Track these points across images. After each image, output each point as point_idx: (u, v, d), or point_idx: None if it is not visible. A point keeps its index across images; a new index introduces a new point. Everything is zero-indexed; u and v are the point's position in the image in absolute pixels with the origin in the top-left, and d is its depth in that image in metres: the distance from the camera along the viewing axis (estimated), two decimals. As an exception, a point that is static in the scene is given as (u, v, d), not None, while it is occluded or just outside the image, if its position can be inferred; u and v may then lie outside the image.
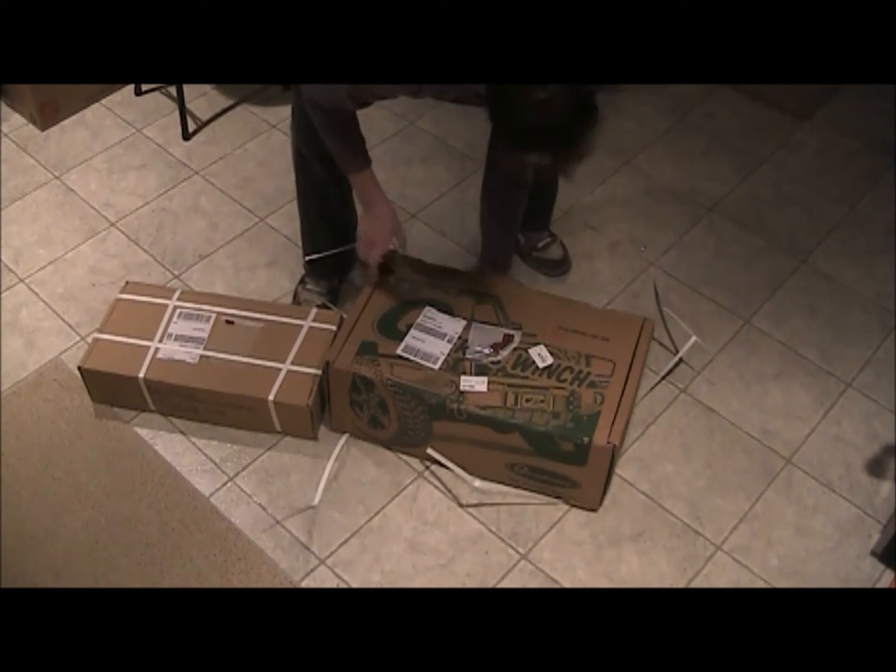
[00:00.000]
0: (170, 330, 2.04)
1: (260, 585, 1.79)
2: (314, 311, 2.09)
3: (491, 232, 2.13)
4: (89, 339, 2.12)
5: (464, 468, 1.93)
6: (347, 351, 1.91)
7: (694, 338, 2.14)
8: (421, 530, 1.89)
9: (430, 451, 1.93)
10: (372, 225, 1.89)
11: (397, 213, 1.91)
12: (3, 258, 2.36)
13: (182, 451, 2.00)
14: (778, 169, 2.63)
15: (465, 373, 1.88)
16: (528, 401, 1.84)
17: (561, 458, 1.83)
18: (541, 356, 1.91)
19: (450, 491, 1.94)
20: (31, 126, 2.69)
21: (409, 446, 1.97)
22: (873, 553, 1.87)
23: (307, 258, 2.18)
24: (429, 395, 1.85)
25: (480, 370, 1.89)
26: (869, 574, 1.85)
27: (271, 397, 1.94)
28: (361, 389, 1.90)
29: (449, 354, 1.91)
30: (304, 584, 1.81)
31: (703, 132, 2.74)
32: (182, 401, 2.00)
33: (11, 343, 2.19)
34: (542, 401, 1.84)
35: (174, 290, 2.12)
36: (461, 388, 1.85)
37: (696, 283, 2.34)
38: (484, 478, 1.93)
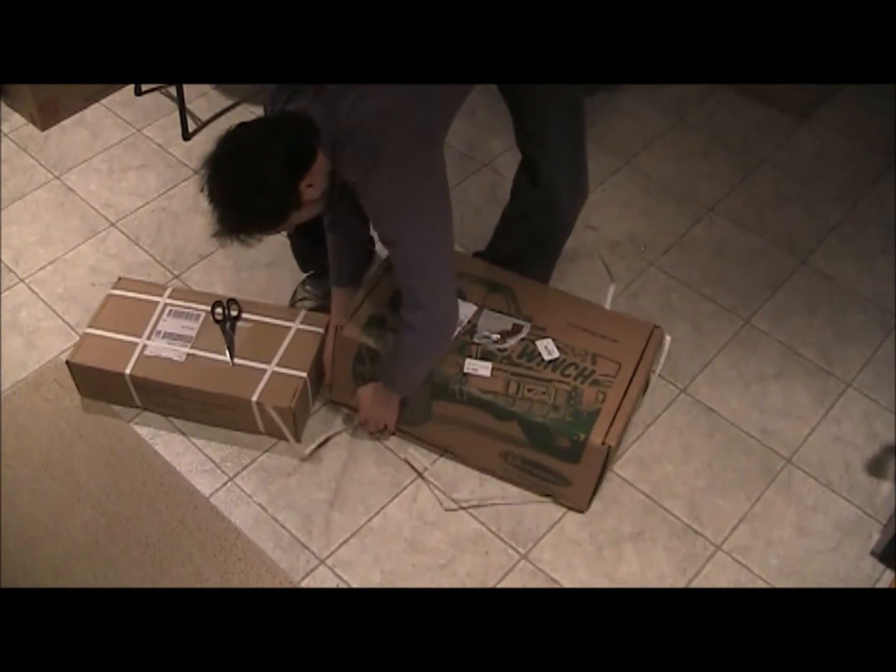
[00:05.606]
0: (158, 327, 2.04)
1: (260, 585, 1.79)
2: (303, 313, 2.08)
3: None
4: (89, 339, 2.12)
5: (458, 453, 1.95)
6: (357, 321, 1.92)
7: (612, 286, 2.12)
8: (421, 530, 1.89)
9: (406, 456, 1.95)
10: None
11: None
12: (3, 258, 2.36)
13: (182, 451, 2.00)
14: (778, 169, 2.63)
15: (470, 356, 1.89)
16: (529, 391, 1.84)
17: (555, 453, 1.83)
18: (547, 349, 1.91)
19: (449, 491, 1.94)
20: (31, 126, 2.69)
21: (407, 424, 1.97)
22: (873, 553, 1.87)
23: (306, 274, 2.23)
24: (432, 373, 1.85)
25: (486, 355, 1.89)
26: (869, 574, 1.85)
27: (255, 398, 1.93)
28: (366, 360, 1.90)
29: (457, 337, 1.91)
30: (303, 584, 1.81)
31: (703, 132, 2.73)
32: (167, 398, 1.99)
33: (11, 343, 2.19)
34: (543, 392, 1.84)
35: (166, 288, 2.12)
36: (465, 370, 1.86)
37: (696, 283, 2.34)
38: (476, 466, 1.93)
